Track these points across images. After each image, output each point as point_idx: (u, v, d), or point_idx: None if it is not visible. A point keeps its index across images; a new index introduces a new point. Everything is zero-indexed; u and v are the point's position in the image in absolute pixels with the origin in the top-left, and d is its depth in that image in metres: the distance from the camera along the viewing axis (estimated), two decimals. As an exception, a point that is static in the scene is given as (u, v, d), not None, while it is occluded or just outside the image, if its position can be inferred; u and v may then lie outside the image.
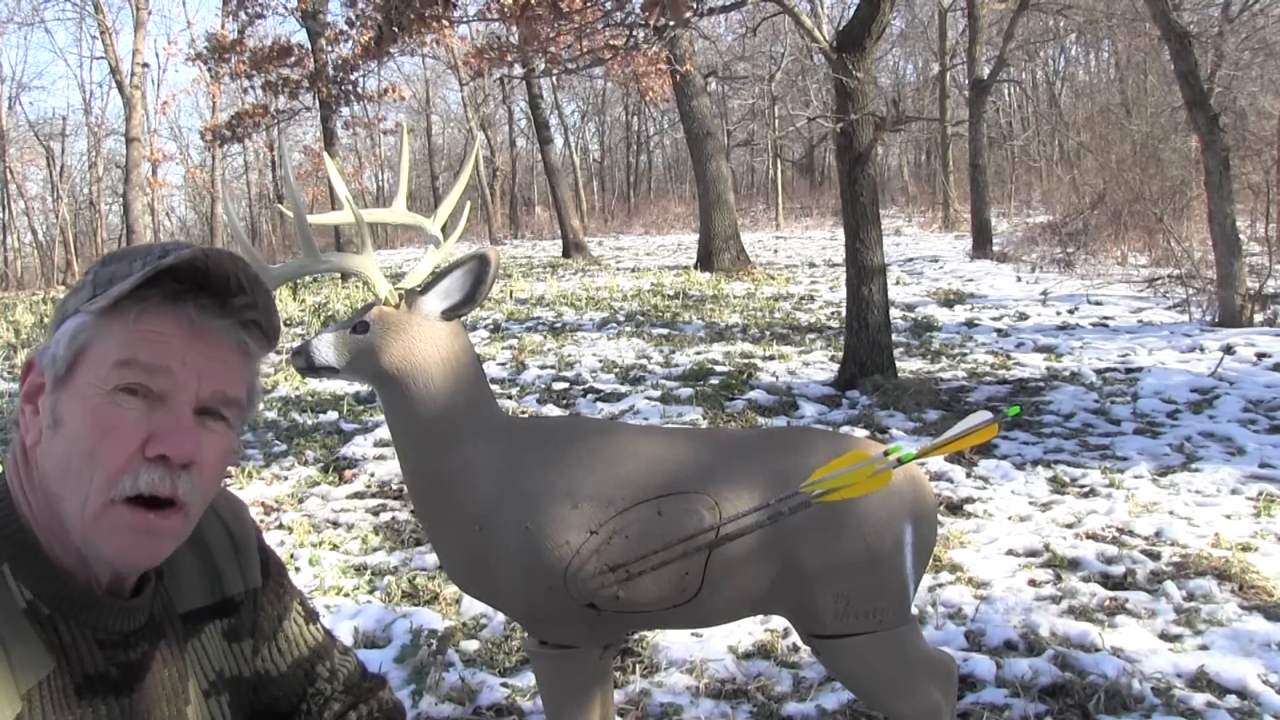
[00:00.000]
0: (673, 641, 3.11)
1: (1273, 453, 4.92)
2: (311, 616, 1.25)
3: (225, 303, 0.98)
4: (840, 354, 7.10)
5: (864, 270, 6.43)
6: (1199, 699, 2.70)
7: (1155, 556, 3.72)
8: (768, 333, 9.11)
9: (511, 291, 12.82)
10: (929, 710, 2.00)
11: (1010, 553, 3.84)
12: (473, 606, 3.42)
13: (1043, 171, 23.12)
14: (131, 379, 0.92)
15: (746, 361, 7.63)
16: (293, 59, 15.64)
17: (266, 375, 7.88)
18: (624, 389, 6.89)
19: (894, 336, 7.05)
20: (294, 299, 13.31)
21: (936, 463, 4.89)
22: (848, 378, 6.59)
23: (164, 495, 0.93)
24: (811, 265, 15.60)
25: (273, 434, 6.09)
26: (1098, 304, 10.05)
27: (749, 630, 3.18)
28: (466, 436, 2.02)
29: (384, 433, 5.65)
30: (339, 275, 14.61)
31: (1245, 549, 3.72)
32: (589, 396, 6.74)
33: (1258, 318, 8.40)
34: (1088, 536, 3.97)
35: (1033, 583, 3.56)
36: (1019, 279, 12.45)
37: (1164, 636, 3.10)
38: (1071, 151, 20.30)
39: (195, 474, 0.95)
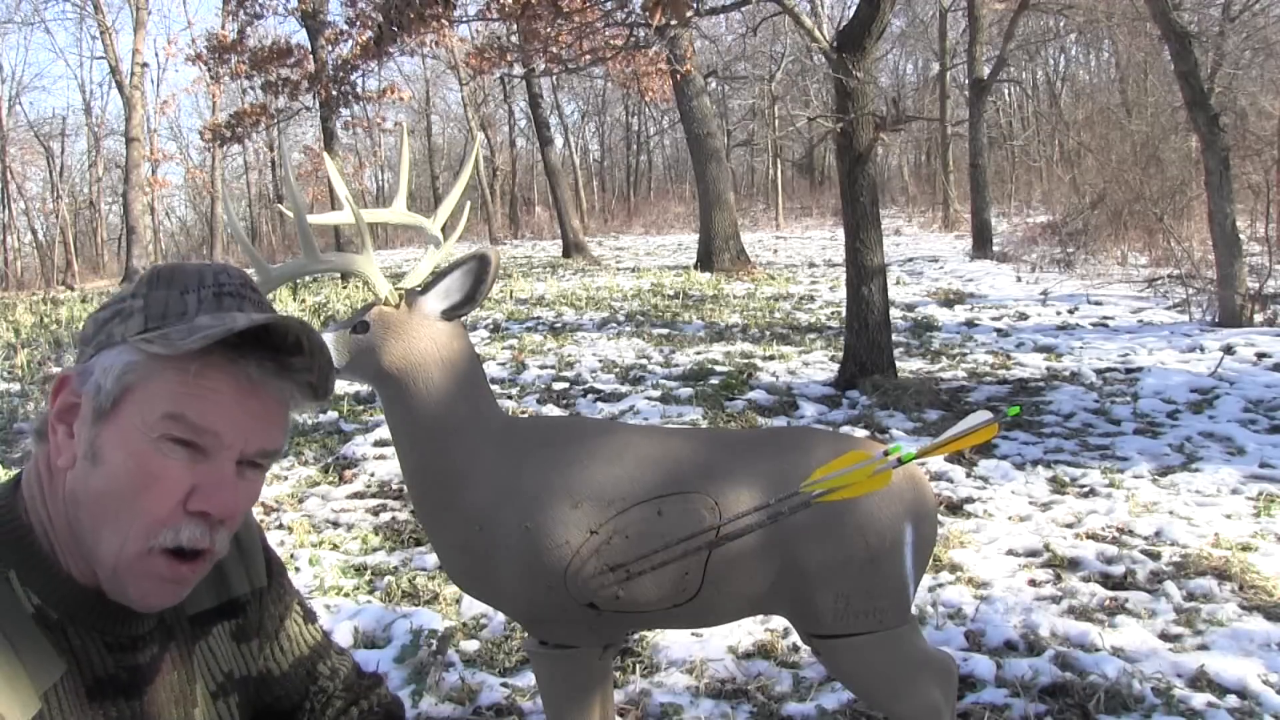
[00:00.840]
0: (673, 641, 3.11)
1: (1273, 453, 4.92)
2: (310, 616, 1.26)
3: (285, 363, 0.98)
4: (840, 354, 7.10)
5: (864, 270, 6.43)
6: (1199, 699, 2.71)
7: (1155, 556, 3.72)
8: (768, 333, 9.11)
9: (511, 291, 12.82)
10: (929, 710, 2.00)
11: (1010, 553, 3.84)
12: (473, 606, 3.42)
13: (1043, 171, 23.12)
14: (179, 434, 0.92)
15: (746, 361, 7.63)
16: (293, 59, 15.64)
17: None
18: (624, 389, 6.89)
19: (894, 336, 7.05)
20: (294, 299, 13.31)
21: (936, 463, 4.89)
22: (848, 378, 6.59)
23: (201, 549, 0.94)
24: (811, 265, 15.60)
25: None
26: (1098, 304, 10.05)
27: (749, 630, 3.18)
28: (467, 436, 2.02)
29: (384, 433, 5.66)
30: (339, 275, 14.62)
31: (1245, 549, 3.72)
32: (589, 396, 6.74)
33: (1258, 318, 8.40)
34: (1088, 536, 3.97)
35: (1033, 583, 3.56)
36: (1019, 279, 12.45)
37: (1164, 636, 3.10)
38: (1071, 151, 20.30)
39: (230, 525, 0.96)
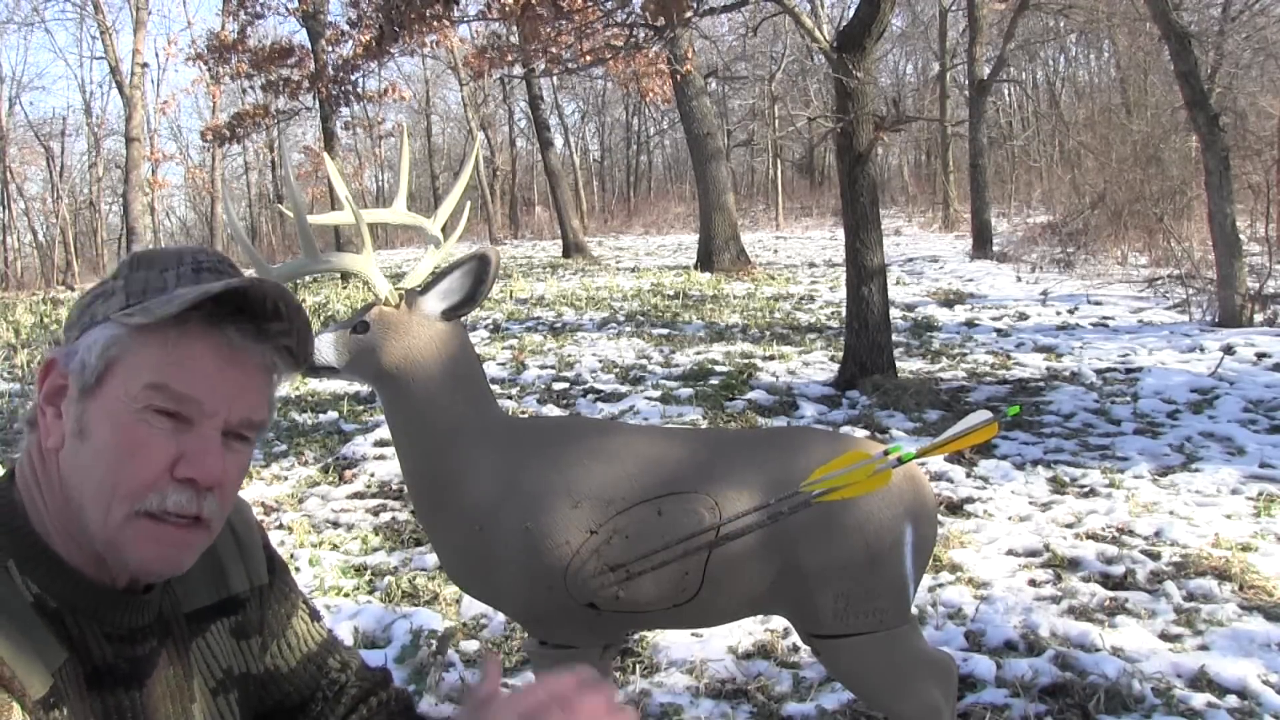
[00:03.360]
0: (673, 641, 3.11)
1: (1273, 453, 4.91)
2: (314, 615, 1.27)
3: (263, 328, 0.98)
4: (840, 354, 7.10)
5: (864, 270, 6.43)
6: (1199, 699, 2.71)
7: (1155, 556, 3.72)
8: (768, 333, 9.11)
9: (511, 291, 12.82)
10: (929, 710, 2.00)
11: (1010, 553, 3.84)
12: (473, 606, 3.42)
13: (1043, 171, 23.11)
14: (161, 404, 0.93)
15: (746, 361, 7.63)
16: (293, 59, 15.66)
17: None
18: (624, 389, 6.89)
19: (894, 336, 7.05)
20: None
21: (936, 463, 4.89)
22: (848, 378, 6.59)
23: (189, 515, 0.94)
24: (811, 265, 15.60)
25: (273, 434, 6.09)
26: (1098, 304, 10.05)
27: (749, 630, 3.18)
28: (466, 436, 2.02)
29: (384, 433, 5.66)
30: (339, 275, 14.62)
31: (1245, 549, 3.72)
32: (589, 396, 6.74)
33: (1258, 318, 8.40)
34: (1088, 536, 3.97)
35: (1033, 583, 3.56)
36: (1019, 279, 12.45)
37: (1164, 636, 3.11)
38: (1072, 151, 20.30)
39: (218, 493, 0.96)
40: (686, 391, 6.63)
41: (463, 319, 2.11)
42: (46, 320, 12.63)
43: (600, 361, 7.90)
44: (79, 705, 0.92)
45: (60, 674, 0.90)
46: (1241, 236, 8.79)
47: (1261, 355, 7.09)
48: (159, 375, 0.93)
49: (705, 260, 15.04)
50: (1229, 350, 7.19)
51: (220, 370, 0.95)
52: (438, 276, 2.07)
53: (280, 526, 4.44)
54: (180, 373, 0.93)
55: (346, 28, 15.26)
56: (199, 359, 0.94)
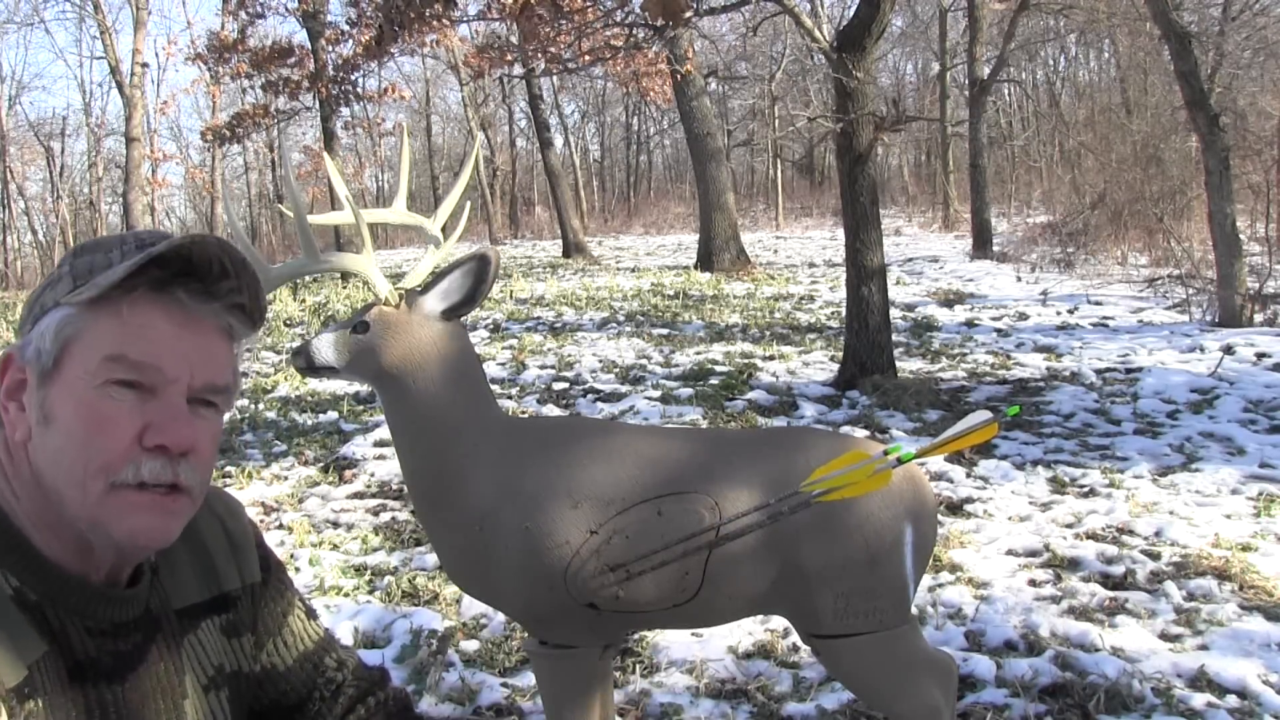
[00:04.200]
0: (673, 641, 3.11)
1: (1273, 453, 4.91)
2: (311, 614, 1.27)
3: (212, 288, 0.99)
4: (840, 354, 7.10)
5: (864, 270, 6.43)
6: (1199, 699, 2.71)
7: (1155, 556, 3.72)
8: (768, 333, 9.11)
9: (511, 291, 12.82)
10: (929, 710, 2.00)
11: (1010, 553, 3.84)
12: (473, 606, 3.42)
13: (1043, 171, 23.10)
14: (122, 375, 0.93)
15: (746, 361, 7.63)
16: (293, 59, 15.66)
17: (266, 375, 7.88)
18: (624, 389, 6.89)
19: (894, 336, 7.05)
20: (294, 299, 13.31)
21: (936, 463, 4.89)
22: (848, 378, 6.59)
23: (166, 483, 0.94)
24: (811, 265, 15.60)
25: (273, 434, 6.09)
26: (1098, 304, 10.05)
27: (749, 630, 3.18)
28: (466, 436, 2.02)
29: (384, 433, 5.65)
30: (339, 275, 14.61)
31: (1245, 549, 3.72)
32: (589, 396, 6.74)
33: (1258, 318, 8.40)
34: (1088, 536, 3.97)
35: (1033, 583, 3.56)
36: (1019, 279, 12.44)
37: (1164, 636, 3.11)
38: (1072, 151, 20.30)
39: (193, 460, 0.96)
40: (686, 391, 6.63)
41: (463, 319, 2.11)
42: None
43: (600, 361, 7.90)
44: (60, 698, 0.91)
45: (38, 666, 0.90)
46: (1241, 236, 8.79)
47: (1261, 355, 7.08)
48: (115, 346, 0.93)
49: (705, 260, 15.03)
50: (1229, 350, 7.19)
51: (175, 334, 0.96)
52: (438, 276, 2.07)
53: (280, 526, 4.44)
54: (136, 340, 0.94)
55: (346, 28, 15.27)
56: (153, 325, 0.95)
